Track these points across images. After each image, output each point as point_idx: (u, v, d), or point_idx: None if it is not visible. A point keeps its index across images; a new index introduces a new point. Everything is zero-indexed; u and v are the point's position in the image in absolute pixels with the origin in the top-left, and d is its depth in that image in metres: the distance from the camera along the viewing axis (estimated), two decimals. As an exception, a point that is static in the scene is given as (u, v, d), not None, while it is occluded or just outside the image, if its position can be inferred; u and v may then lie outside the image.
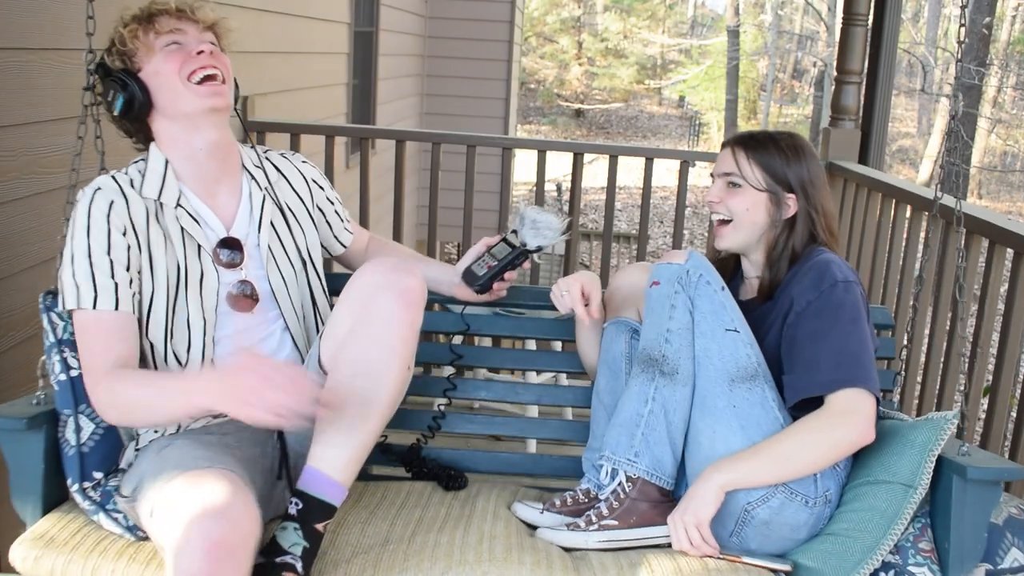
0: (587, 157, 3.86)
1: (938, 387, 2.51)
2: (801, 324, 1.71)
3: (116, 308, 1.61)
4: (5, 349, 2.25)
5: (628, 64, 25.78)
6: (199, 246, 1.72)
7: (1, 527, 1.91)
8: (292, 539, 1.50)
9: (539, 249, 1.93)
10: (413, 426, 2.06)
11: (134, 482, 1.59)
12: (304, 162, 1.97)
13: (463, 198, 3.72)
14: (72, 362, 1.69)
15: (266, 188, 1.83)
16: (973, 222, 2.27)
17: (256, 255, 1.78)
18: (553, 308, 1.93)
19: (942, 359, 2.50)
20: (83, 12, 1.80)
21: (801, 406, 1.69)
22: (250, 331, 1.77)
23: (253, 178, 1.83)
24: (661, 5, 27.75)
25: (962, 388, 1.85)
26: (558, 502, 1.79)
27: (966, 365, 1.90)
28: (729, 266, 1.95)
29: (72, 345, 1.69)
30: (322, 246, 1.96)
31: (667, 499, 1.71)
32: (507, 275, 1.95)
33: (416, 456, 2.02)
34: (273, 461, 1.74)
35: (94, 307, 1.60)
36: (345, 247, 2.03)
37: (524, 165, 11.28)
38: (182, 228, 1.71)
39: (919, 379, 2.64)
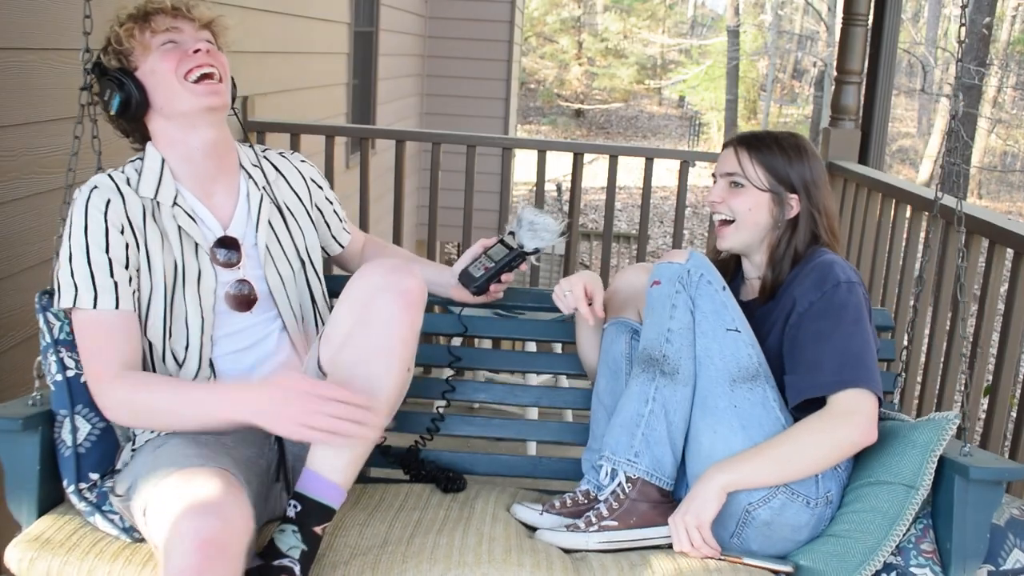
0: (587, 157, 3.86)
1: (938, 387, 2.51)
2: (804, 325, 1.70)
3: (117, 307, 1.61)
4: (5, 349, 2.25)
5: (628, 64, 25.79)
6: (196, 245, 1.71)
7: (-2, 529, 1.90)
8: (290, 542, 1.49)
9: (536, 251, 1.91)
10: (412, 428, 2.05)
11: (128, 481, 1.58)
12: (303, 161, 1.96)
13: (463, 198, 3.72)
14: (69, 362, 1.68)
15: (264, 187, 1.82)
16: (973, 222, 2.26)
17: (254, 255, 1.77)
18: (553, 309, 1.93)
19: (942, 359, 2.49)
20: (82, 12, 1.80)
21: (802, 407, 1.68)
22: (248, 331, 1.76)
23: (251, 177, 1.82)
24: (661, 5, 27.76)
25: (962, 388, 1.85)
26: (557, 503, 1.78)
27: (966, 365, 1.90)
28: (729, 267, 1.94)
29: (69, 345, 1.67)
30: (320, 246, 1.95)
31: (667, 500, 1.70)
32: (504, 277, 1.94)
33: (415, 458, 2.01)
34: (271, 462, 1.73)
35: (94, 307, 1.60)
36: (343, 247, 2.02)
37: (524, 165, 11.29)
38: (179, 227, 1.70)
39: (919, 379, 2.64)
